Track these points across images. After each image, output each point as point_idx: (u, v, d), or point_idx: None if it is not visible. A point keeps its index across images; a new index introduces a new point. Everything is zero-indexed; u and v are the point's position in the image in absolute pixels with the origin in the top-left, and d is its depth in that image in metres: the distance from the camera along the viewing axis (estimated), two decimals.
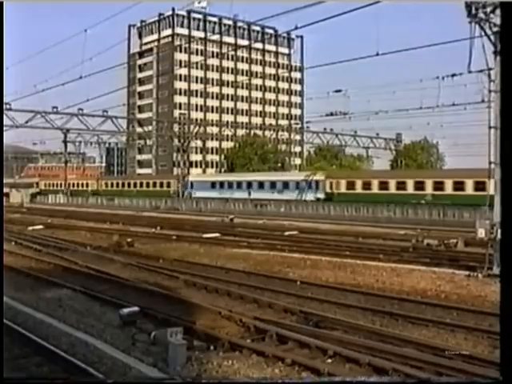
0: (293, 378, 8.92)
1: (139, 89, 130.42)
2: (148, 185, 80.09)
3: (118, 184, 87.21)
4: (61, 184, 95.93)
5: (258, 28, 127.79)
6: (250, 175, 71.24)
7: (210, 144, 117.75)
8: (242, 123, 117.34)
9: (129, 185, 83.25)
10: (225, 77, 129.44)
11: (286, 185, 60.88)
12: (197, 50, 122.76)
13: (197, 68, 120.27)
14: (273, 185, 62.18)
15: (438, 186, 47.81)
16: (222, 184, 68.22)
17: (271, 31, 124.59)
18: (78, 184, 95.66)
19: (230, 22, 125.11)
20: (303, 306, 13.56)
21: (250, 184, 64.30)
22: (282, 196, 58.27)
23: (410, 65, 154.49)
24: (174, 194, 71.99)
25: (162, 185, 77.56)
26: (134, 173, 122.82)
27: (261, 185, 63.33)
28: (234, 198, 60.61)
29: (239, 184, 65.64)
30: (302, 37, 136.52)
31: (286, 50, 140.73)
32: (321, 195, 56.32)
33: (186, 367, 9.35)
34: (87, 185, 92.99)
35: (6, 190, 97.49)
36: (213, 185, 69.36)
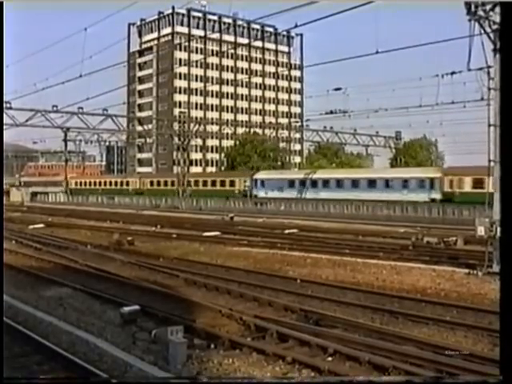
0: (297, 377, 8.94)
1: (139, 87, 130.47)
2: (205, 183, 70.45)
3: (165, 183, 76.15)
4: (96, 183, 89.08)
5: (257, 26, 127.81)
6: (340, 172, 63.71)
7: (210, 142, 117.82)
8: (242, 121, 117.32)
9: (180, 184, 72.76)
10: (224, 75, 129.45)
11: (388, 183, 52.99)
12: (196, 48, 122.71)
13: (196, 66, 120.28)
14: (371, 183, 53.96)
15: None
16: (303, 182, 59.84)
17: (271, 29, 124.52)
18: (115, 182, 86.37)
19: (230, 21, 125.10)
20: (303, 304, 13.58)
21: (339, 182, 56.57)
22: (383, 196, 50.07)
23: (409, 63, 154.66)
24: (239, 194, 64.07)
25: (223, 183, 68.39)
26: (134, 171, 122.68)
27: (355, 183, 55.15)
28: (319, 199, 53.96)
29: (325, 182, 57.76)
30: (301, 35, 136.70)
31: (285, 48, 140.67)
32: (437, 195, 48.66)
33: (186, 365, 9.37)
34: (127, 183, 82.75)
35: (33, 189, 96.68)
36: (291, 183, 60.82)
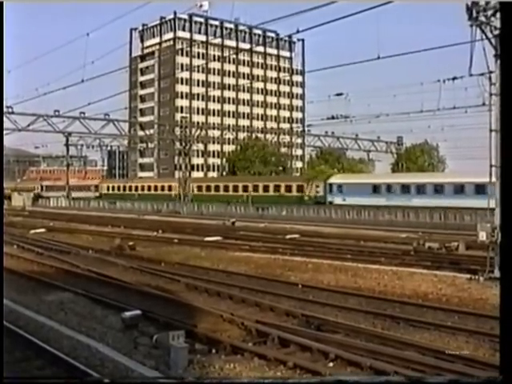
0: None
1: (141, 92, 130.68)
2: (267, 189, 63.26)
3: (217, 188, 70.11)
4: (131, 188, 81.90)
5: (259, 31, 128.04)
6: (439, 176, 57.06)
7: (212, 147, 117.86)
8: (244, 126, 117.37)
9: (235, 188, 66.97)
10: (226, 80, 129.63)
11: (480, 188, 42.55)
12: (198, 53, 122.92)
13: (198, 71, 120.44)
14: (480, 188, 42.17)
15: None
16: (389, 187, 53.39)
17: (272, 34, 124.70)
18: (154, 187, 79.59)
19: (232, 26, 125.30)
20: (305, 309, 13.58)
21: (438, 187, 49.59)
22: (474, 203, 39.66)
23: (410, 68, 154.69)
24: (309, 201, 58.03)
25: (289, 189, 62.05)
26: (136, 176, 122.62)
27: (457, 189, 47.81)
28: (410, 207, 46.59)
29: (420, 187, 50.88)
30: (303, 40, 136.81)
31: (287, 54, 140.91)
32: None
33: (187, 370, 9.37)
34: (169, 188, 75.00)
35: (51, 193, 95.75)
36: (376, 188, 54.40)
